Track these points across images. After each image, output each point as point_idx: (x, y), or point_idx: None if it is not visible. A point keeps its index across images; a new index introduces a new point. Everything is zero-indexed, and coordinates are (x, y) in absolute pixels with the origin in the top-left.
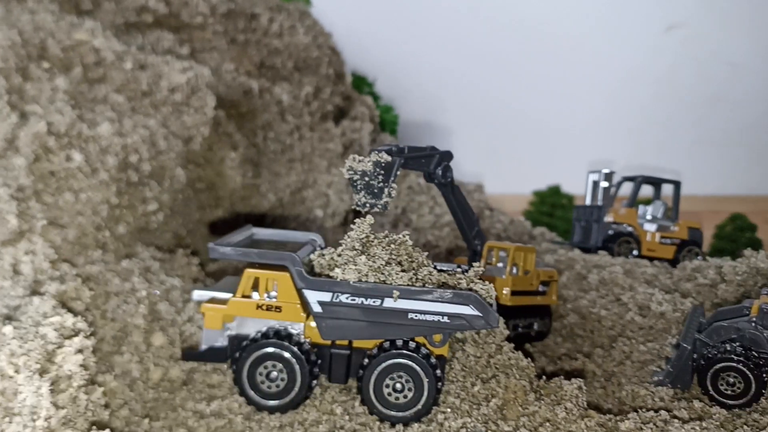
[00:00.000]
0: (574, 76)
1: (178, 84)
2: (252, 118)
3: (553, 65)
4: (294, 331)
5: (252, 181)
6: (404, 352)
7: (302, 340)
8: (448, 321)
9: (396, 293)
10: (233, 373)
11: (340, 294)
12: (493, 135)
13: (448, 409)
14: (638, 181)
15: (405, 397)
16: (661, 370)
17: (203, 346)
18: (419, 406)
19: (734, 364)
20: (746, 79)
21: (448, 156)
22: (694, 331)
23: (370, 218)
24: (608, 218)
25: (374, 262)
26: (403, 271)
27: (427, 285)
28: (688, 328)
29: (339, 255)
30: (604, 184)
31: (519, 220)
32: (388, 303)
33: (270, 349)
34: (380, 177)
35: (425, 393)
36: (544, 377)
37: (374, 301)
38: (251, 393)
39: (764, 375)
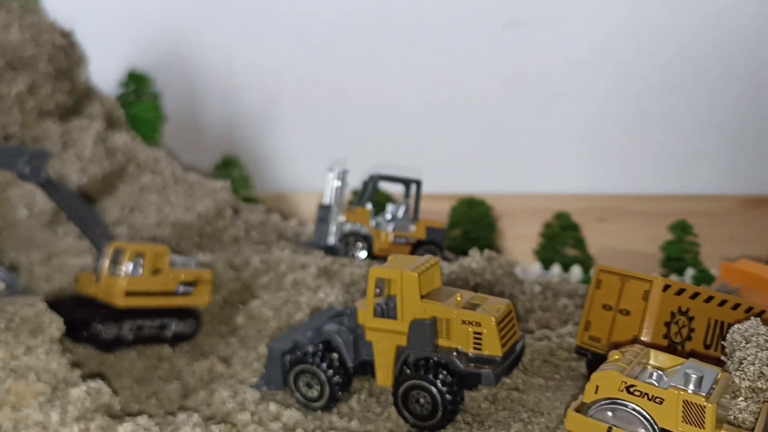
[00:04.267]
0: (413, 72)
1: None
2: None
3: (391, 60)
4: None
5: None
6: None
7: None
8: None
9: None
10: None
11: None
12: (330, 131)
13: None
14: (374, 179)
15: None
16: None
17: None
18: None
19: (309, 366)
20: (585, 77)
21: (39, 155)
22: (302, 332)
23: None
24: (341, 218)
25: None
26: None
27: None
28: (294, 330)
29: None
30: (336, 182)
31: (273, 221)
32: None
33: None
34: None
35: None
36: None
37: None
38: None
39: (338, 377)
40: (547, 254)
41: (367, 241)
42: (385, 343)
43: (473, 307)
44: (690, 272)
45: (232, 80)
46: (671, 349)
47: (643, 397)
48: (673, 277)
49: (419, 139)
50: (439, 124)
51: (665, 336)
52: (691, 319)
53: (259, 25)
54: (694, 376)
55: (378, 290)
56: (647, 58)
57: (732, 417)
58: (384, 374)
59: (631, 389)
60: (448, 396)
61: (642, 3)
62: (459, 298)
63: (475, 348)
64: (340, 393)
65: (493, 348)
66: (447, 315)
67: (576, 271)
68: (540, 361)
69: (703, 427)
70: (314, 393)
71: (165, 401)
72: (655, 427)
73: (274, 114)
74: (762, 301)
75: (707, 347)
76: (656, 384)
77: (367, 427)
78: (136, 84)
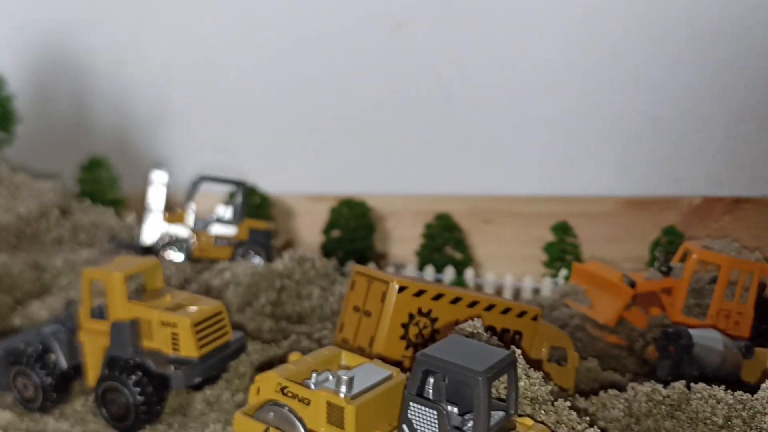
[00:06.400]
0: (294, 75)
1: None
2: None
3: (274, 64)
4: None
5: None
6: None
7: None
8: None
9: None
10: None
11: None
12: (211, 133)
13: None
14: (197, 180)
15: None
16: None
17: None
18: None
19: (23, 367)
20: (469, 79)
21: None
22: (36, 332)
23: None
24: (160, 219)
25: None
26: None
27: None
28: (29, 330)
29: None
30: (156, 184)
31: (109, 222)
32: None
33: None
34: None
35: None
36: None
37: None
38: None
39: (50, 378)
40: (427, 255)
41: (186, 242)
42: (94, 345)
43: (178, 308)
44: (564, 272)
45: (119, 83)
46: (413, 350)
47: (294, 399)
48: (548, 278)
49: (300, 139)
50: (321, 126)
51: (403, 337)
52: (434, 320)
53: (146, 29)
54: (345, 378)
55: None
56: (532, 60)
57: None
58: (93, 375)
59: (285, 391)
60: (139, 397)
61: (530, 8)
62: (169, 299)
63: (173, 349)
64: (53, 394)
65: (188, 349)
66: (148, 316)
67: (449, 272)
68: None
69: (344, 428)
70: (30, 394)
71: None
72: (306, 428)
73: (157, 116)
74: (605, 301)
75: None
76: (312, 386)
77: (75, 429)
78: None
